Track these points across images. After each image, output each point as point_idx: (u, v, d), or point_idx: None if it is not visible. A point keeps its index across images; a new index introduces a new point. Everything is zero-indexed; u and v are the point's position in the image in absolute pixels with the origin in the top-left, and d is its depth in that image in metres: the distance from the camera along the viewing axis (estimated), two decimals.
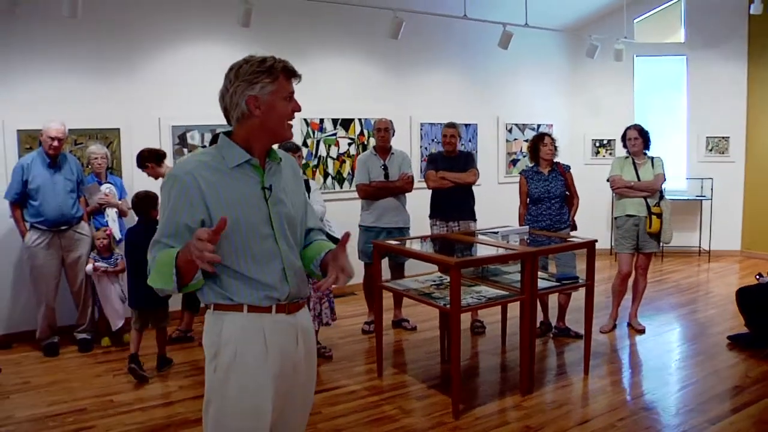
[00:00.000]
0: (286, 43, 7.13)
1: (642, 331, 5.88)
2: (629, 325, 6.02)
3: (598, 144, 9.38)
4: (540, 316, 5.90)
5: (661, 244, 5.87)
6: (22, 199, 5.55)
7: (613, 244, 5.94)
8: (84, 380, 5.00)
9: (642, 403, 4.37)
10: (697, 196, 9.25)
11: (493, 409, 4.30)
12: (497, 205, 7.10)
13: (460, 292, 4.04)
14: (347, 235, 2.20)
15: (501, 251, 4.73)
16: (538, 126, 9.17)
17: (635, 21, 9.19)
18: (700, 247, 9.39)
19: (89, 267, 5.62)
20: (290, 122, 2.26)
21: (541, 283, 4.62)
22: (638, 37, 9.17)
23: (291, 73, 2.21)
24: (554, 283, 4.75)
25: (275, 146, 2.32)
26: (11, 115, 5.85)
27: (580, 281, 4.90)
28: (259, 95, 2.14)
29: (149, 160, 5.70)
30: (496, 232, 5.20)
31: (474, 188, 6.24)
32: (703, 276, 8.38)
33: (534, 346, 4.51)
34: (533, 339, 4.47)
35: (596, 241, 4.82)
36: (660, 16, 9.40)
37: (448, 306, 4.10)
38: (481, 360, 5.42)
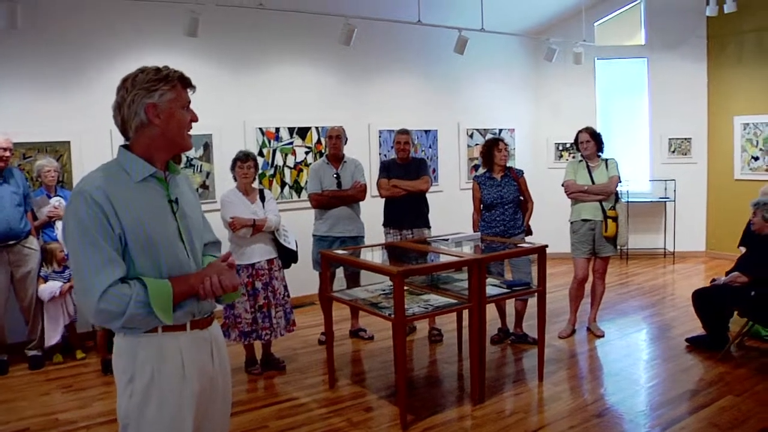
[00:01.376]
0: (237, 52, 7.09)
1: (601, 336, 5.83)
2: (588, 329, 5.97)
3: (561, 147, 9.36)
4: (498, 323, 5.86)
5: (617, 248, 5.81)
6: None
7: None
8: (31, 399, 4.89)
9: (596, 409, 4.31)
10: (661, 198, 9.26)
11: (443, 419, 4.22)
12: (458, 211, 7.03)
13: (404, 301, 3.96)
14: (228, 255, 2.25)
15: (449, 258, 4.65)
16: (500, 131, 9.14)
17: (596, 24, 9.21)
18: (665, 248, 9.40)
19: (46, 291, 5.53)
20: (189, 132, 2.19)
21: (491, 290, 4.56)
22: (599, 41, 9.18)
23: (187, 83, 2.17)
24: (504, 290, 4.67)
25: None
26: None
27: (533, 287, 4.82)
28: (158, 103, 2.08)
29: None
30: (447, 239, 5.12)
31: (435, 195, 6.19)
32: (667, 278, 8.37)
33: (484, 354, 4.43)
34: (483, 347, 4.39)
35: (546, 246, 4.75)
36: (620, 19, 9.43)
37: (392, 316, 4.01)
38: (436, 369, 5.34)
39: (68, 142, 6.05)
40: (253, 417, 4.38)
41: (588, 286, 5.95)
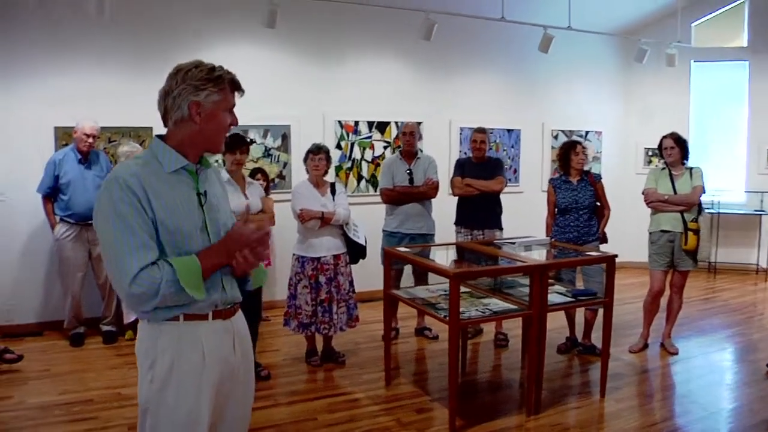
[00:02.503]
0: (318, 45, 7.16)
1: (675, 353, 5.54)
2: (662, 346, 5.68)
3: (650, 153, 8.94)
4: (566, 332, 5.67)
5: (697, 262, 5.49)
6: (53, 193, 5.71)
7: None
8: (99, 371, 5.13)
9: (658, 431, 4.07)
10: (756, 210, 8.70)
11: (494, 427, 4.11)
12: (536, 214, 6.78)
13: (459, 303, 3.87)
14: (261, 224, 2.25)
15: (512, 263, 4.51)
16: (586, 133, 8.85)
17: (693, 24, 8.76)
18: (758, 264, 8.84)
19: None
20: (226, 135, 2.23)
21: (555, 298, 4.41)
22: (697, 42, 8.72)
23: (236, 87, 2.18)
24: (569, 299, 4.49)
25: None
26: (48, 112, 6.01)
27: (599, 297, 4.62)
28: (203, 102, 2.09)
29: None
30: (515, 243, 4.98)
31: (514, 195, 6.05)
32: (758, 296, 7.88)
33: (542, 363, 4.28)
34: (542, 356, 4.24)
35: (616, 256, 4.53)
36: (720, 20, 8.90)
37: (447, 318, 3.93)
38: (497, 375, 5.22)
39: (150, 128, 6.25)
40: (305, 408, 4.41)
41: (664, 301, 5.67)
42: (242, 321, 2.32)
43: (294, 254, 5.20)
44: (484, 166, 5.91)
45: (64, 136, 6.01)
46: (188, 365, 2.08)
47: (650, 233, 5.59)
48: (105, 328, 5.92)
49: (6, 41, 5.87)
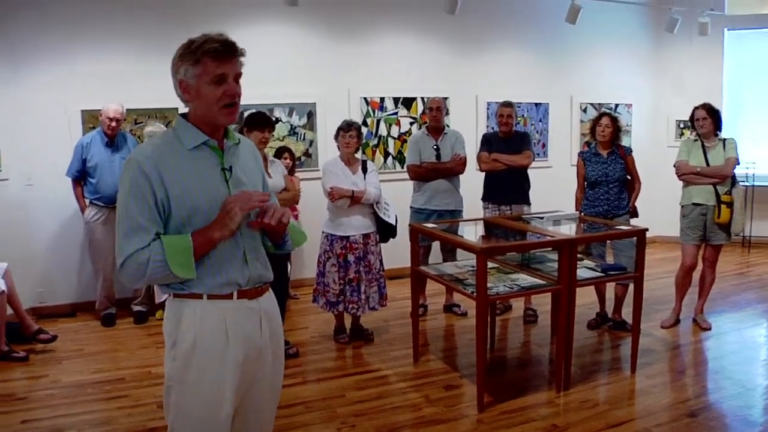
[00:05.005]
0: (341, 21, 7.10)
1: (707, 329, 5.44)
2: (694, 321, 5.59)
3: (682, 125, 8.74)
4: (596, 307, 5.61)
5: (731, 236, 5.37)
6: (81, 176, 5.77)
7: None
8: (131, 350, 5.21)
9: (690, 407, 4.00)
10: None
11: (522, 404, 4.08)
12: (566, 189, 6.67)
13: (486, 279, 3.83)
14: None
15: (540, 238, 4.46)
16: (616, 106, 8.68)
17: None
18: None
19: None
20: (228, 106, 2.09)
21: (584, 273, 4.35)
22: (731, 9, 8.45)
23: (218, 54, 2.03)
24: (598, 274, 4.43)
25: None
26: (75, 96, 6.08)
27: (630, 272, 4.54)
28: (184, 79, 2.06)
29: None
30: (542, 217, 4.92)
31: (543, 170, 5.97)
32: None
33: (571, 339, 4.23)
34: (571, 332, 4.20)
35: (647, 229, 4.44)
36: None
37: (474, 294, 3.90)
38: (526, 351, 5.18)
39: (176, 109, 6.24)
40: (333, 385, 4.43)
41: (697, 275, 5.57)
42: (272, 301, 2.30)
43: (323, 232, 5.19)
44: (511, 140, 5.84)
45: (90, 119, 6.06)
46: (211, 344, 2.07)
47: (682, 206, 5.48)
48: (136, 308, 6.00)
49: (32, 25, 5.91)
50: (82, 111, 6.12)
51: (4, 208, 5.80)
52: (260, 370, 2.21)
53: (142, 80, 6.13)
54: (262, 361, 2.21)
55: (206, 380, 2.07)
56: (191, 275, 2.01)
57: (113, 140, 5.75)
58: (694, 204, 5.34)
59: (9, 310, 5.07)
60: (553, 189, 7.01)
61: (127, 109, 5.93)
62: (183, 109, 2.16)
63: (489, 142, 5.91)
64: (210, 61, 2.03)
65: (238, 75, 2.10)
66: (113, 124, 5.67)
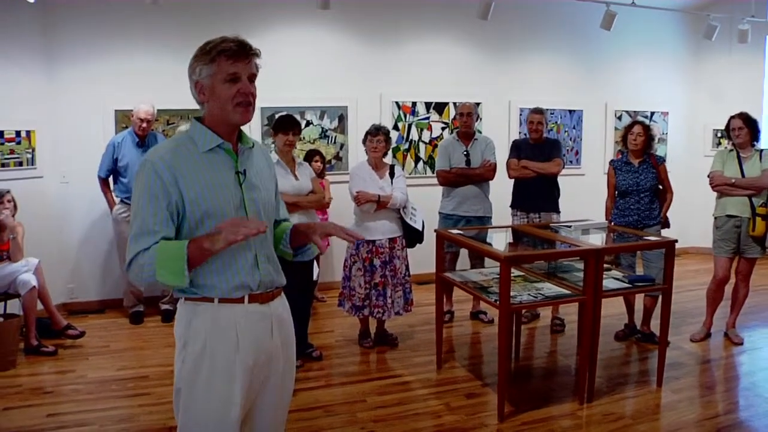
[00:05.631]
0: (374, 25, 7.13)
1: (739, 344, 5.31)
2: (725, 335, 5.46)
3: (719, 134, 8.57)
4: (625, 318, 5.52)
5: (766, 250, 5.24)
6: (112, 174, 5.86)
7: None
8: (156, 349, 5.28)
9: (717, 424, 3.90)
10: None
11: (543, 415, 4.02)
12: (599, 197, 6.57)
13: (510, 287, 3.79)
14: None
15: (567, 247, 4.40)
16: (652, 114, 8.54)
17: None
18: None
19: None
20: (242, 105, 2.09)
21: (611, 284, 4.27)
22: None
23: (232, 53, 2.05)
24: (625, 285, 4.35)
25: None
26: (109, 95, 6.19)
27: (658, 284, 4.46)
28: (199, 80, 2.07)
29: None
30: (570, 226, 4.85)
31: (576, 178, 5.90)
32: None
33: (596, 351, 4.15)
34: (595, 343, 4.12)
35: (676, 241, 4.35)
36: None
37: (497, 302, 3.86)
38: (552, 361, 5.12)
39: None
40: (354, 390, 4.42)
41: (729, 288, 5.44)
42: (284, 306, 2.30)
43: None
44: (541, 147, 5.78)
45: (124, 118, 6.17)
46: (221, 347, 2.07)
47: (715, 218, 5.36)
48: (164, 306, 6.08)
49: (66, 26, 6.03)
50: (116, 110, 6.24)
51: (39, 205, 5.91)
52: (271, 374, 2.21)
53: (175, 81, 6.15)
54: (273, 365, 2.21)
55: (216, 383, 2.07)
56: (181, 283, 1.96)
57: (144, 140, 5.83)
58: (727, 216, 5.22)
59: (39, 306, 5.16)
60: (586, 197, 6.93)
61: (160, 110, 6.02)
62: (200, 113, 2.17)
63: (518, 149, 5.86)
64: (224, 60, 2.04)
65: (253, 75, 2.11)
66: (144, 125, 5.75)
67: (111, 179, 5.94)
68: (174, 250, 1.94)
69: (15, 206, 5.16)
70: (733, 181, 5.17)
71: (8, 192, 5.15)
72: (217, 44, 2.04)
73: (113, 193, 5.95)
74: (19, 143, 5.78)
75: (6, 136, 5.69)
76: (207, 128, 2.11)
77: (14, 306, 5.23)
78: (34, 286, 5.03)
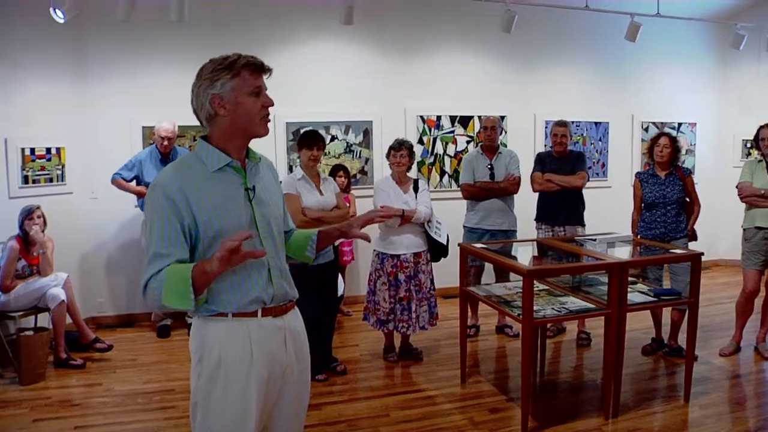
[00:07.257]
0: (398, 40, 7.16)
1: None
2: (756, 349, 5.37)
3: (749, 145, 8.44)
4: (652, 332, 5.46)
5: None
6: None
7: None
8: (182, 362, 5.32)
9: None
10: None
11: (567, 430, 3.98)
12: (627, 209, 6.49)
13: (533, 301, 3.78)
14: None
15: (590, 260, 4.37)
16: (679, 125, 8.46)
17: None
18: None
19: None
20: (266, 118, 2.15)
21: (636, 297, 4.23)
22: None
23: (256, 68, 2.11)
24: (650, 299, 4.30)
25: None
26: (137, 112, 6.31)
27: (684, 297, 4.40)
28: (221, 93, 2.08)
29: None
30: (595, 239, 4.82)
31: (602, 190, 5.86)
32: None
33: (621, 365, 4.11)
34: (620, 358, 4.08)
35: (702, 254, 4.30)
36: None
37: (521, 316, 3.84)
38: (578, 375, 5.06)
39: None
40: (378, 404, 4.42)
41: (759, 302, 5.35)
42: (297, 319, 2.32)
43: (374, 250, 5.20)
44: (565, 160, 5.75)
45: (151, 135, 6.25)
46: (235, 361, 2.09)
47: (744, 230, 5.28)
48: (190, 320, 6.12)
49: (95, 45, 6.17)
50: (143, 127, 6.35)
51: (68, 221, 6.00)
52: (285, 388, 2.23)
53: None
54: (287, 379, 2.23)
55: (231, 397, 2.09)
56: (188, 306, 1.92)
57: (167, 156, 5.91)
58: (757, 227, 5.14)
59: (68, 320, 5.25)
60: (612, 209, 6.87)
61: (187, 126, 6.12)
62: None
63: (542, 162, 5.84)
64: (248, 74, 2.09)
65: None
66: (165, 142, 5.84)
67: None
68: (180, 273, 1.93)
69: (45, 222, 5.26)
70: (763, 192, 5.09)
71: (38, 208, 5.25)
72: (239, 58, 2.09)
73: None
74: (49, 160, 5.90)
75: (37, 153, 5.81)
76: (215, 148, 2.13)
77: (44, 320, 5.34)
78: (63, 300, 5.12)
